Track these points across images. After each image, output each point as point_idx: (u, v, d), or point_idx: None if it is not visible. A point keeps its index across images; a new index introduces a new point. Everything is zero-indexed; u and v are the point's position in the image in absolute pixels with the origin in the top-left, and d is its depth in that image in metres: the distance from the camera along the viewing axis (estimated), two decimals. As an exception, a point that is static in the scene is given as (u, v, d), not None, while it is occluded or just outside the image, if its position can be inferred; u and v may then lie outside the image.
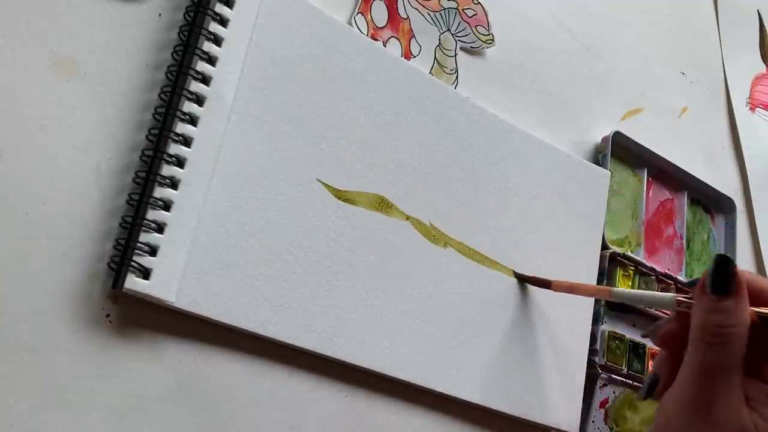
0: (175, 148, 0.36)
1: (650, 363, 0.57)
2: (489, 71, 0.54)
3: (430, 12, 0.51)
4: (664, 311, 0.52)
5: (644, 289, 0.58)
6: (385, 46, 0.48)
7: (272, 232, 0.39)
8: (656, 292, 0.35)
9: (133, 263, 0.34)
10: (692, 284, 0.33)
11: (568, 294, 0.46)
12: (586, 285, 0.46)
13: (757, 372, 0.29)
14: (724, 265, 0.29)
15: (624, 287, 0.56)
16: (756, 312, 0.29)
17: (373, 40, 0.46)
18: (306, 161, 0.41)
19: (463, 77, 0.52)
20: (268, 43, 0.40)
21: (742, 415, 0.28)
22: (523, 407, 0.48)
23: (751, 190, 0.72)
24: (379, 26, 0.48)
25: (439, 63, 0.51)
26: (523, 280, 0.49)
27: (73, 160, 0.35)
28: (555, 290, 0.47)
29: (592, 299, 0.53)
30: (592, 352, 0.53)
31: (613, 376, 0.54)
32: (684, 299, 0.31)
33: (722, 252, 0.67)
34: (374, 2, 0.48)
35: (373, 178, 0.44)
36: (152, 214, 0.35)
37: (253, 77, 0.40)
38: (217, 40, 0.38)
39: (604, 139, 0.59)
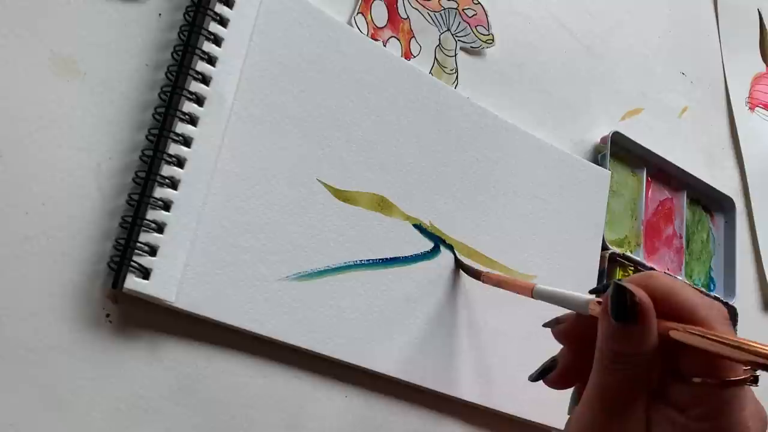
0: (175, 148, 0.36)
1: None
2: (489, 71, 0.54)
3: (430, 12, 0.51)
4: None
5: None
6: (385, 46, 0.48)
7: (272, 232, 0.39)
8: (575, 294, 0.31)
9: (133, 263, 0.34)
10: (597, 291, 0.30)
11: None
12: (513, 280, 0.41)
13: (664, 393, 0.27)
14: (621, 294, 0.26)
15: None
16: (668, 328, 0.26)
17: (373, 40, 0.46)
18: (306, 161, 0.41)
19: (463, 77, 0.52)
20: (268, 43, 0.40)
21: None
22: (524, 407, 0.48)
23: (750, 189, 0.72)
24: (379, 26, 0.48)
25: (439, 63, 0.51)
26: (460, 266, 0.46)
27: (73, 160, 0.35)
28: (484, 282, 0.43)
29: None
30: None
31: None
32: (598, 303, 0.28)
33: (722, 251, 0.67)
34: (374, 2, 0.48)
35: (373, 178, 0.44)
36: (152, 214, 0.35)
37: (253, 77, 0.40)
38: (217, 40, 0.38)
39: (603, 139, 0.59)
